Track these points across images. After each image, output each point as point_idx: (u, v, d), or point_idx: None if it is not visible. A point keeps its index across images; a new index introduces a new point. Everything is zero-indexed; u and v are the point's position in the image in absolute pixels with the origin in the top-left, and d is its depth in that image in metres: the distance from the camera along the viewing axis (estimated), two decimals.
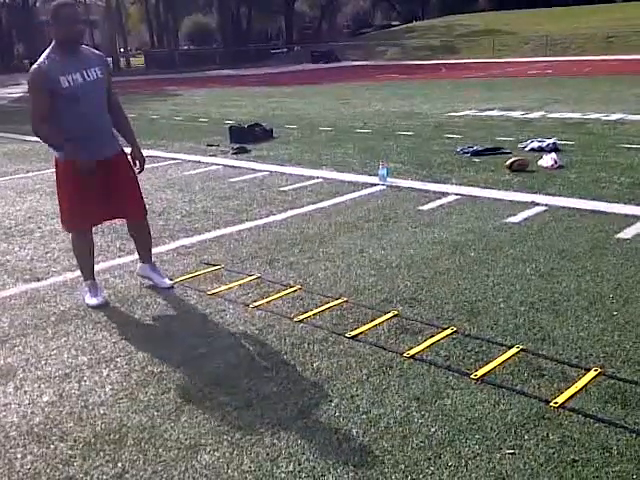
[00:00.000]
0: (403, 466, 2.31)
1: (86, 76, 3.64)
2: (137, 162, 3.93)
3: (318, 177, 7.27)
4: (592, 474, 2.22)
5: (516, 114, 11.75)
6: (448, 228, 5.14)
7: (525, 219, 5.27)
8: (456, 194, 6.16)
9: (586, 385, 2.77)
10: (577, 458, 2.30)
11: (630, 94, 14.00)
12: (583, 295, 3.72)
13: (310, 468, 2.32)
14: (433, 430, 2.52)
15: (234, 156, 8.95)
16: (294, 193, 6.60)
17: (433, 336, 3.29)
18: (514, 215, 5.36)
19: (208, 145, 9.92)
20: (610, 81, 17.60)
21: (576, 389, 2.74)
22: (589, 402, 2.65)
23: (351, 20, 71.96)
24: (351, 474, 2.28)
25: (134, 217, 4.04)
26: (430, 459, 2.34)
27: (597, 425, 2.50)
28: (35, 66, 3.59)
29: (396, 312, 3.60)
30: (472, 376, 2.89)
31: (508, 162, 7.12)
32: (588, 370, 2.89)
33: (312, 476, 2.28)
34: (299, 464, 2.35)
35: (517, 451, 2.36)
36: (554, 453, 2.34)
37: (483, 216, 5.41)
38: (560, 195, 5.91)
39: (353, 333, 3.37)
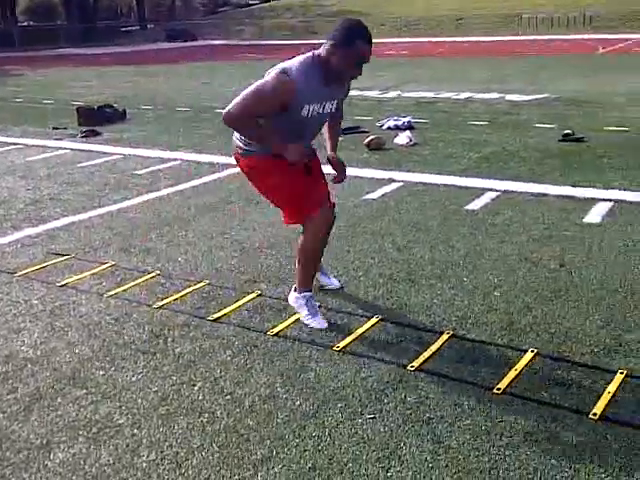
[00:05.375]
0: (269, 442, 2.35)
1: (324, 109, 3.09)
2: (337, 169, 3.37)
3: (176, 159, 7.11)
4: (446, 429, 2.39)
5: (373, 94, 12.16)
6: None
7: (383, 195, 5.50)
8: None
9: (440, 348, 2.97)
10: (432, 416, 2.47)
11: (477, 74, 14.98)
12: (436, 264, 3.96)
13: (173, 454, 2.30)
14: (298, 404, 2.58)
15: (83, 139, 8.51)
16: (150, 176, 6.41)
17: (297, 313, 3.36)
18: (373, 191, 5.57)
19: (54, 128, 9.35)
20: (460, 62, 18.70)
21: (431, 352, 2.92)
22: (443, 363, 2.84)
23: None
24: (216, 455, 2.29)
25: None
26: (295, 432, 2.40)
27: (450, 384, 2.68)
28: (289, 76, 2.89)
29: (259, 292, 3.63)
30: (334, 348, 2.99)
31: (366, 140, 7.37)
32: (442, 334, 3.09)
33: (175, 462, 2.26)
34: (161, 452, 2.32)
35: (377, 415, 2.49)
36: (411, 414, 2.49)
37: (343, 193, 5.55)
38: (415, 171, 6.22)
39: (216, 316, 3.36)
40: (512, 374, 2.72)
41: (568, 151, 6.79)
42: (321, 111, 3.05)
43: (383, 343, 3.04)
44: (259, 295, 3.59)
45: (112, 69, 21.23)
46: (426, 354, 2.91)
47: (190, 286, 3.74)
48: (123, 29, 46.04)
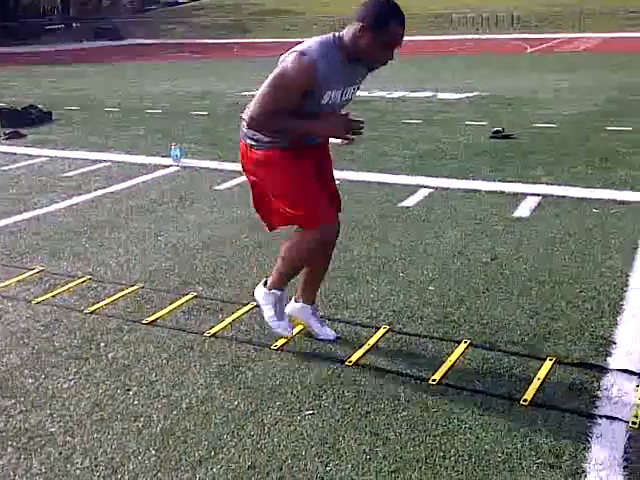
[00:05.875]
0: (207, 443, 2.35)
1: (344, 95, 2.75)
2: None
3: (106, 160, 6.97)
4: (383, 422, 2.44)
5: None
6: (245, 206, 5.20)
7: None
8: None
9: (377, 342, 3.03)
10: (370, 409, 2.52)
11: (410, 73, 15.27)
12: (373, 261, 4.03)
13: (108, 460, 2.27)
14: (236, 404, 2.59)
15: (6, 142, 8.23)
16: (79, 179, 6.26)
17: (234, 313, 3.36)
18: None
19: None
20: (393, 61, 18.98)
21: (368, 347, 2.98)
22: (380, 357, 2.90)
23: None
24: (152, 459, 2.27)
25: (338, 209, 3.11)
26: (233, 432, 2.41)
27: (387, 377, 2.75)
28: (308, 58, 2.55)
29: (195, 293, 3.61)
30: (272, 347, 3.01)
31: None
32: (378, 328, 3.15)
33: (111, 467, 2.23)
34: (95, 458, 2.28)
35: (316, 411, 2.52)
36: (349, 408, 2.54)
37: None
38: (350, 169, 6.29)
39: (150, 319, 3.32)
40: (447, 365, 2.80)
41: (498, 148, 7.02)
42: (341, 98, 2.73)
43: (321, 340, 3.08)
44: (195, 297, 3.57)
45: (37, 69, 20.55)
46: (363, 349, 2.96)
47: (123, 290, 3.68)
48: (47, 27, 44.55)
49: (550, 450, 2.25)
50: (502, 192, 5.37)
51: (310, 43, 2.63)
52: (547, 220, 4.66)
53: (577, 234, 4.35)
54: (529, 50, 21.27)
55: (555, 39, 24.90)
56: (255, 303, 3.42)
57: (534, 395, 2.56)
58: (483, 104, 10.16)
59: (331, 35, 2.67)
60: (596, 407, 2.48)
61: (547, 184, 5.54)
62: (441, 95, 11.27)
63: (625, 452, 2.22)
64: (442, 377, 2.71)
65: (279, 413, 2.52)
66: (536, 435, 2.33)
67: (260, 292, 3.05)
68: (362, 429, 2.40)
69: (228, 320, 3.28)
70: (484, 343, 2.99)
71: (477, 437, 2.33)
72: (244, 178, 6.15)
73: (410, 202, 5.20)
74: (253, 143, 2.79)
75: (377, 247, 4.26)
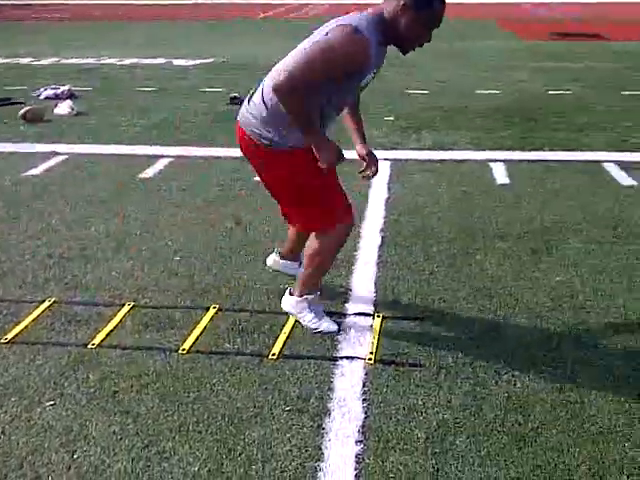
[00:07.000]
0: None
1: (373, 75, 2.65)
2: (370, 162, 2.97)
3: None
4: (133, 398, 2.43)
5: (25, 61, 11.29)
6: None
7: (46, 170, 5.22)
8: None
9: (122, 320, 2.98)
10: (118, 389, 2.49)
11: (142, 39, 14.85)
12: (112, 237, 3.93)
13: None
14: None
15: None
16: None
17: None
18: (34, 167, 5.25)
19: None
20: (123, 26, 18.29)
21: (112, 326, 2.92)
22: (126, 335, 2.87)
23: None
24: None
25: None
26: None
27: (135, 354, 2.73)
28: (362, 35, 2.45)
29: None
30: (2, 341, 2.80)
31: (21, 112, 6.86)
32: (123, 306, 3.10)
33: None
34: None
35: (58, 400, 2.42)
36: (95, 391, 2.48)
37: None
38: (81, 142, 6.02)
39: None
40: (196, 332, 2.87)
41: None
42: (371, 80, 2.67)
43: (59, 326, 2.94)
44: None
45: None
46: (107, 329, 2.90)
47: None
48: None
49: (298, 397, 2.44)
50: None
51: (358, 19, 2.52)
52: None
53: None
54: (262, 15, 21.94)
55: (286, 5, 26.01)
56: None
57: (281, 348, 2.75)
58: (220, 70, 10.30)
59: (372, 11, 2.56)
60: (337, 350, 2.75)
61: None
62: (177, 62, 11.17)
63: (363, 386, 2.50)
64: (192, 345, 2.77)
65: (15, 410, 2.37)
66: (285, 385, 2.51)
67: (289, 302, 2.94)
68: (110, 410, 2.37)
69: None
70: (232, 306, 3.11)
71: (229, 397, 2.44)
72: None
73: (149, 173, 5.13)
74: (267, 142, 2.68)
75: (116, 222, 4.15)
